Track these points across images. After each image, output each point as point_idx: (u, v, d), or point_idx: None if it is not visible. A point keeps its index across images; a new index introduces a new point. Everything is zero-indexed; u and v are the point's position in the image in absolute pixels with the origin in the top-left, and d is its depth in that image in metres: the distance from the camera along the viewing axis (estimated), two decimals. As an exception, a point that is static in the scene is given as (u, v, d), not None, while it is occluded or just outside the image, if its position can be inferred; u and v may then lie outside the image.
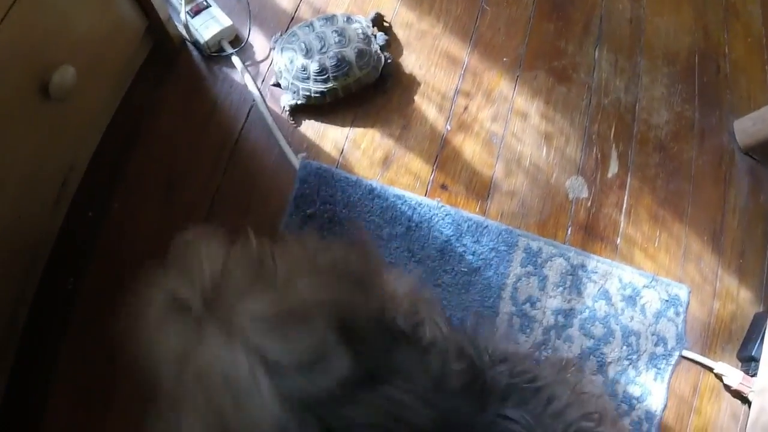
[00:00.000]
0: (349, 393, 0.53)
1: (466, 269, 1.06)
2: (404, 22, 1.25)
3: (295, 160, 1.09)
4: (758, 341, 1.07)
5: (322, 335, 0.53)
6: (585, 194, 1.15)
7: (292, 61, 1.10)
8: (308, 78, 1.10)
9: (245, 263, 0.58)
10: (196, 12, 1.16)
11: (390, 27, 1.23)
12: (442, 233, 1.08)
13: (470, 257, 1.07)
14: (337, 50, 1.10)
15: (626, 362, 1.08)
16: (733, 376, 1.06)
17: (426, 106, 1.17)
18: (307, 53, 1.10)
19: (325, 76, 1.09)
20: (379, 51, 1.14)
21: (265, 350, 0.52)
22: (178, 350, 0.55)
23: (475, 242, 1.08)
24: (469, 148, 1.14)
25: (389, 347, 0.58)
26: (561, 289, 1.09)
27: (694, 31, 1.38)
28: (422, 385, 0.57)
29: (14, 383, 0.93)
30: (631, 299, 1.11)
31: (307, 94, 1.10)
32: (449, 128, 1.16)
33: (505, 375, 0.61)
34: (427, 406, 0.55)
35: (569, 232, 1.12)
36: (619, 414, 1.04)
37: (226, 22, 1.16)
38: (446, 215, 1.09)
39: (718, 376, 1.08)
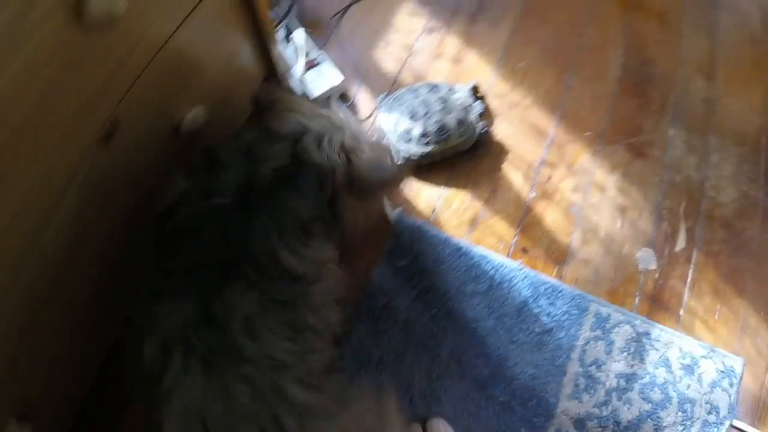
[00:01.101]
0: None
1: (540, 329, 1.15)
2: (498, 93, 1.35)
3: (392, 215, 1.20)
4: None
5: None
6: (653, 266, 1.23)
7: (397, 124, 1.21)
8: (411, 140, 1.20)
9: None
10: (309, 67, 1.28)
11: (483, 97, 1.33)
12: (520, 294, 1.17)
13: (545, 318, 1.16)
14: (439, 117, 1.20)
15: (680, 427, 1.15)
16: (781, 451, 1.12)
17: (513, 173, 1.27)
18: (413, 117, 1.20)
19: (427, 141, 1.19)
20: (476, 121, 1.25)
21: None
22: None
23: (550, 304, 1.17)
24: (551, 216, 1.24)
25: None
26: (625, 354, 1.17)
27: (764, 111, 1.44)
28: None
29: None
30: (689, 368, 1.18)
31: (408, 155, 1.21)
32: (533, 196, 1.25)
33: None
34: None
35: (637, 300, 1.20)
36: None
37: (337, 79, 1.27)
38: (525, 277, 1.18)
39: (766, 449, 1.14)
